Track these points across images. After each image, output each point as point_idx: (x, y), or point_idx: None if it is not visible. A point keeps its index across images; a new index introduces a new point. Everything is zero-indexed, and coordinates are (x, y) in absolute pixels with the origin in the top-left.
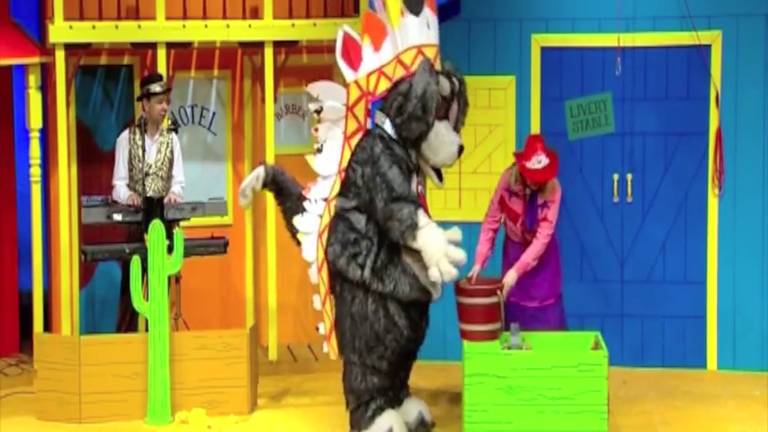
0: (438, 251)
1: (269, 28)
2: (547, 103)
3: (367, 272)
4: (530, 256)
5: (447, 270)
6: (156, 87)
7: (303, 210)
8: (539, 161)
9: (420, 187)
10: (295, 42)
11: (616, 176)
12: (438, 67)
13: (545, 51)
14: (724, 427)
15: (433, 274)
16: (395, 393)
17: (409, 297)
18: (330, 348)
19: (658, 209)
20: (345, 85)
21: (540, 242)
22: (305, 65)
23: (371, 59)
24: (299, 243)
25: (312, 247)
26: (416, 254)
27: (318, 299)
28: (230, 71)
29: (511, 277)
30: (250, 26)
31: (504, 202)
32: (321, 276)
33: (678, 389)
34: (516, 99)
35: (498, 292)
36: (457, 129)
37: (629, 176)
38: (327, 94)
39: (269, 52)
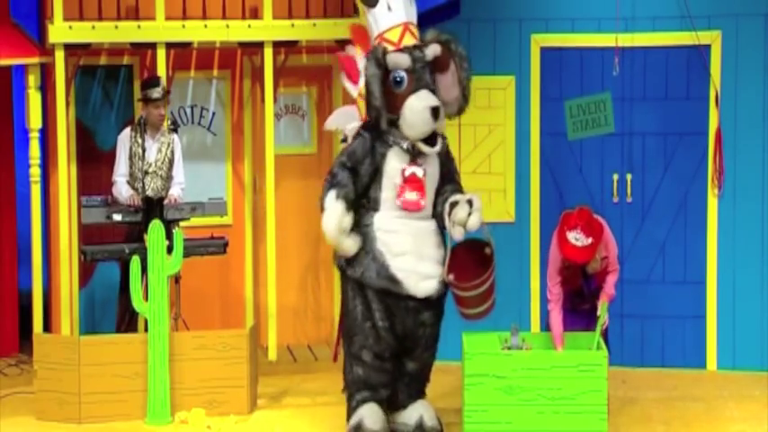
0: (328, 231)
1: (268, 28)
2: (546, 103)
3: (343, 259)
4: (611, 287)
5: (345, 247)
6: (154, 93)
7: None
8: (576, 238)
9: (415, 169)
10: (295, 42)
11: (616, 176)
12: (414, 40)
13: (545, 51)
14: (724, 427)
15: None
16: (395, 396)
17: (377, 285)
18: None
19: (658, 209)
20: (353, 101)
21: (614, 275)
22: (304, 65)
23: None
24: None
25: None
26: (389, 243)
27: None
28: (230, 71)
29: (604, 310)
30: (250, 26)
31: (561, 272)
32: None
33: (678, 389)
34: (516, 99)
35: (489, 279)
36: (463, 85)
37: (629, 176)
38: (343, 120)
39: (268, 52)
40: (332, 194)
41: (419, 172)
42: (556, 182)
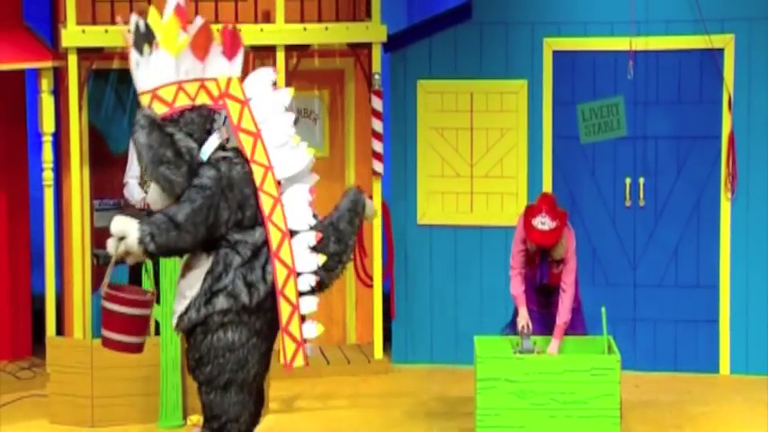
0: None
1: (281, 32)
2: (559, 107)
3: None
4: (565, 315)
5: None
6: None
7: None
8: (542, 222)
9: None
10: (307, 46)
11: (628, 180)
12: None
13: (557, 55)
14: None
15: None
16: None
17: None
18: None
19: (671, 213)
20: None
21: (568, 295)
22: (317, 69)
23: None
24: None
25: None
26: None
27: None
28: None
29: (555, 347)
30: (262, 30)
31: (525, 250)
32: None
33: (690, 393)
34: (528, 103)
35: (149, 306)
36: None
37: (642, 180)
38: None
39: (281, 56)
40: None
41: None
42: (568, 185)
